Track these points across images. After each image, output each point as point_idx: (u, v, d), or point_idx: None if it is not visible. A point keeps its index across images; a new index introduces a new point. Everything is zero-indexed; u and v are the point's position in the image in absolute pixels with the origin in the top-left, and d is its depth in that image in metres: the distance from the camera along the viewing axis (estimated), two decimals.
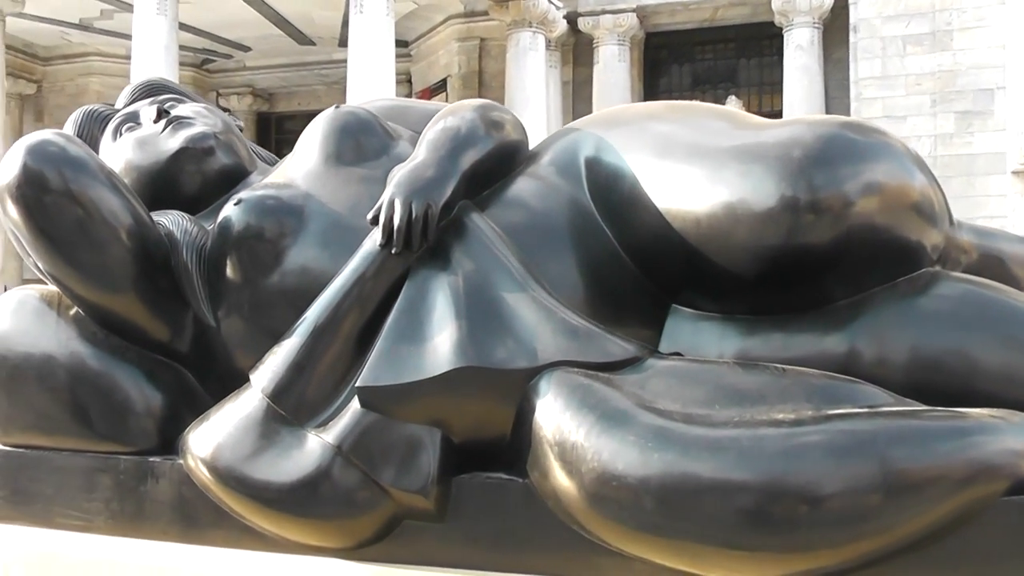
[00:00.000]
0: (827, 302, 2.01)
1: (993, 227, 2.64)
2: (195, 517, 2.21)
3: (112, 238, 2.25)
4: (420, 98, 19.38)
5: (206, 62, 20.05)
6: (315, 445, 2.00)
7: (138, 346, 2.37)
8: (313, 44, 18.81)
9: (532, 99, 14.21)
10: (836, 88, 13.71)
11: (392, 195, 2.06)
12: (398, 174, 2.12)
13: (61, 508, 2.39)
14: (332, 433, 1.98)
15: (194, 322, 2.35)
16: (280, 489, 2.02)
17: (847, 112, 13.29)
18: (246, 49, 19.28)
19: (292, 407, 2.04)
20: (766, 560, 1.65)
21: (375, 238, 2.06)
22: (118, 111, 2.75)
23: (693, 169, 2.05)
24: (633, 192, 2.13)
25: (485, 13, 15.55)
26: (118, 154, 2.60)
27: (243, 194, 2.29)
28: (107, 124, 2.71)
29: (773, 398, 1.77)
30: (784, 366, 1.90)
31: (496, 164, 2.27)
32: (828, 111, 13.74)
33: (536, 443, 1.85)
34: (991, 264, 2.35)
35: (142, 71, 12.24)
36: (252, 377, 2.11)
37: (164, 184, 2.52)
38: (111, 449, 2.33)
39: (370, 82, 12.78)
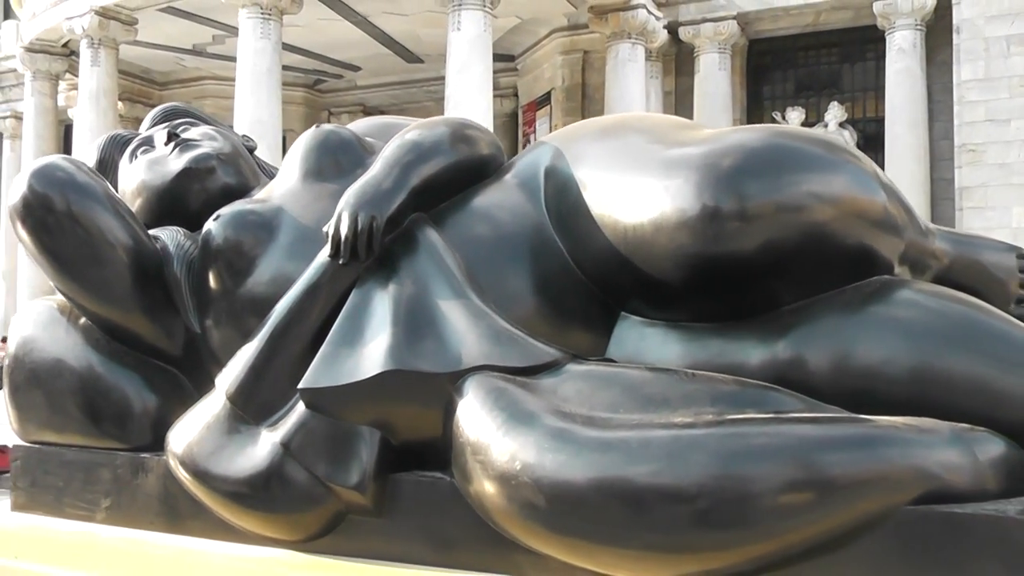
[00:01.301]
0: (772, 308, 2.03)
1: (978, 235, 2.58)
2: (177, 509, 2.39)
3: (110, 255, 2.46)
4: (525, 112, 19.58)
5: (318, 82, 20.77)
6: (267, 443, 2.13)
7: (137, 351, 2.57)
8: (421, 62, 19.24)
9: (632, 110, 14.18)
10: (940, 92, 13.16)
11: (341, 208, 2.19)
12: (350, 188, 2.24)
13: (69, 499, 2.61)
14: (281, 432, 2.12)
15: (185, 329, 2.53)
16: (236, 484, 2.16)
17: (950, 116, 12.79)
18: (356, 69, 19.90)
19: (249, 407, 2.19)
20: (653, 560, 1.68)
21: (327, 250, 2.19)
22: (137, 135, 2.97)
23: (627, 180, 2.10)
24: (577, 204, 2.20)
25: (587, 26, 15.64)
26: (133, 175, 2.82)
27: (222, 209, 2.46)
28: (127, 147, 2.93)
29: (677, 402, 1.80)
30: (694, 371, 1.93)
31: (458, 177, 2.36)
32: (931, 115, 13.24)
33: (455, 443, 1.94)
34: (971, 271, 2.32)
35: (247, 93, 12.85)
36: (217, 380, 2.27)
37: (171, 201, 2.72)
38: (111, 446, 2.54)
39: (469, 98, 13.03)
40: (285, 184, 2.53)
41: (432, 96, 20.52)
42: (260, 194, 2.59)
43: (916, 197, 13.01)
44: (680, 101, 15.44)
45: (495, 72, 19.89)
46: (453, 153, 2.37)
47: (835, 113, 14.16)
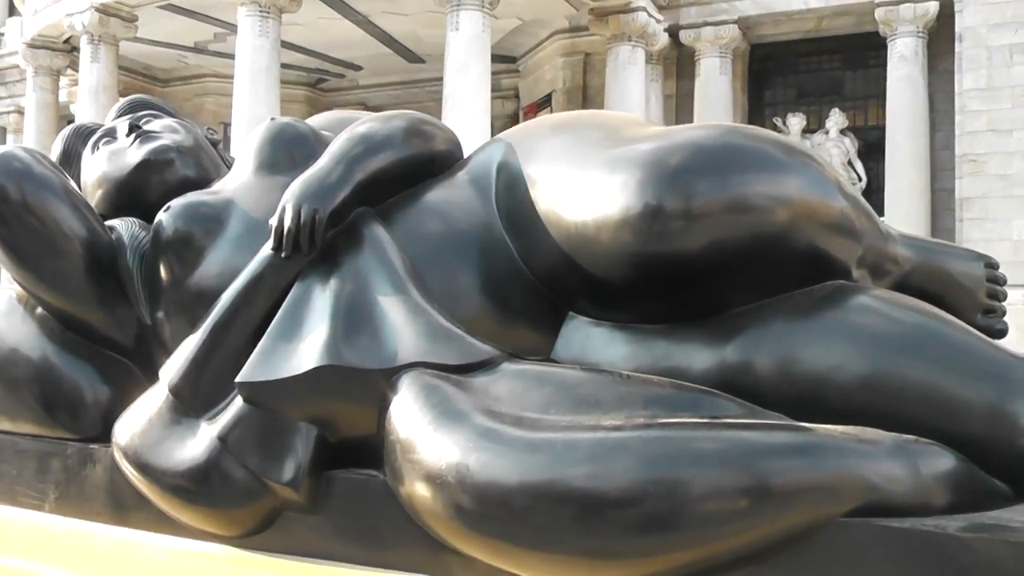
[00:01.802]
0: (721, 310, 2.01)
1: (946, 243, 2.56)
2: (122, 501, 2.38)
3: (64, 246, 2.45)
4: (526, 113, 19.57)
5: (319, 81, 20.79)
6: (206, 437, 2.12)
7: (90, 341, 2.57)
8: (423, 62, 19.26)
9: (631, 113, 14.15)
10: (943, 100, 13.09)
11: (285, 201, 2.18)
12: (295, 181, 2.23)
13: (22, 488, 2.61)
14: (219, 425, 2.11)
15: (137, 320, 2.52)
16: (176, 477, 2.15)
17: (952, 126, 12.71)
18: (358, 68, 19.92)
19: (191, 400, 2.18)
20: (576, 565, 1.66)
21: (270, 243, 2.18)
22: (101, 126, 2.97)
23: (572, 177, 2.08)
24: (524, 201, 2.19)
25: (588, 28, 15.63)
26: (94, 166, 2.81)
27: (173, 201, 2.46)
28: (90, 139, 2.93)
29: (609, 404, 1.77)
30: (629, 373, 1.91)
31: (409, 172, 2.35)
32: (933, 124, 13.16)
33: (387, 441, 1.93)
34: (936, 279, 2.29)
35: (245, 91, 12.86)
36: (160, 372, 2.26)
37: (130, 192, 2.71)
38: (63, 435, 2.53)
39: (467, 98, 13.04)
40: (239, 176, 2.53)
41: (433, 96, 20.51)
42: (215, 186, 2.59)
43: (916, 207, 12.97)
44: (681, 105, 15.42)
45: (497, 73, 19.92)
46: (406, 147, 2.36)
47: (836, 120, 14.10)
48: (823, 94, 14.84)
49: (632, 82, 14.25)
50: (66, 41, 15.79)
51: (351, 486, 2.04)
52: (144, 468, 2.21)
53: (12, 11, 18.47)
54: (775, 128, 14.65)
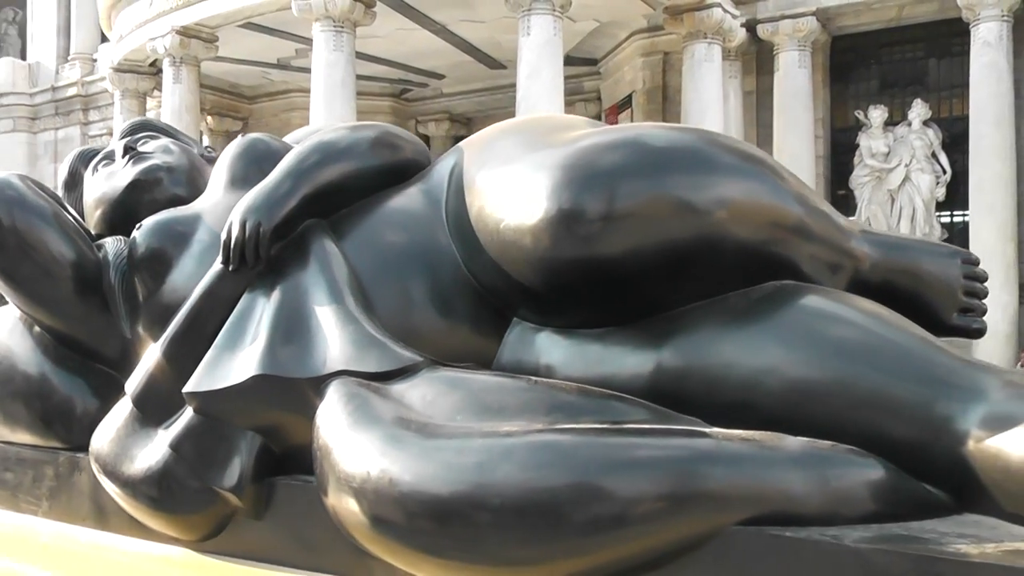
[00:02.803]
0: (657, 312, 1.99)
1: (922, 239, 2.46)
2: (103, 506, 2.49)
3: (52, 268, 2.59)
4: (607, 116, 19.49)
5: (404, 91, 21.10)
6: (161, 445, 2.21)
7: (81, 356, 2.69)
8: (504, 68, 19.32)
9: (709, 111, 13.92)
10: None
11: (233, 215, 2.25)
12: (246, 195, 2.30)
13: (23, 494, 2.76)
14: (171, 434, 2.19)
15: (120, 335, 2.63)
16: (138, 484, 2.24)
17: None
18: (440, 77, 20.14)
19: (149, 410, 2.27)
20: (465, 572, 1.67)
21: (220, 256, 2.25)
22: (102, 150, 3.11)
23: (501, 181, 2.08)
24: (463, 207, 2.20)
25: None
26: (93, 187, 2.95)
27: (146, 219, 2.56)
28: (91, 161, 3.08)
29: (512, 411, 1.76)
30: (536, 378, 1.90)
31: (375, 180, 2.40)
32: (1019, 112, 12.53)
33: (312, 447, 1.97)
34: (907, 278, 2.21)
35: (321, 105, 13.15)
36: (126, 384, 2.36)
37: (123, 211, 2.83)
38: (55, 445, 2.67)
39: (540, 102, 13.04)
40: (212, 193, 2.62)
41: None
42: (193, 203, 2.68)
43: (1003, 199, 12.36)
44: (761, 101, 15.08)
45: (578, 76, 19.94)
46: (371, 157, 2.40)
47: (919, 111, 13.55)
48: (906, 84, 14.28)
49: (709, 80, 13.98)
50: (151, 64, 16.42)
51: (290, 492, 2.10)
52: (112, 475, 2.31)
53: (104, 38, 19.40)
54: (857, 121, 14.22)
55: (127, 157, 2.91)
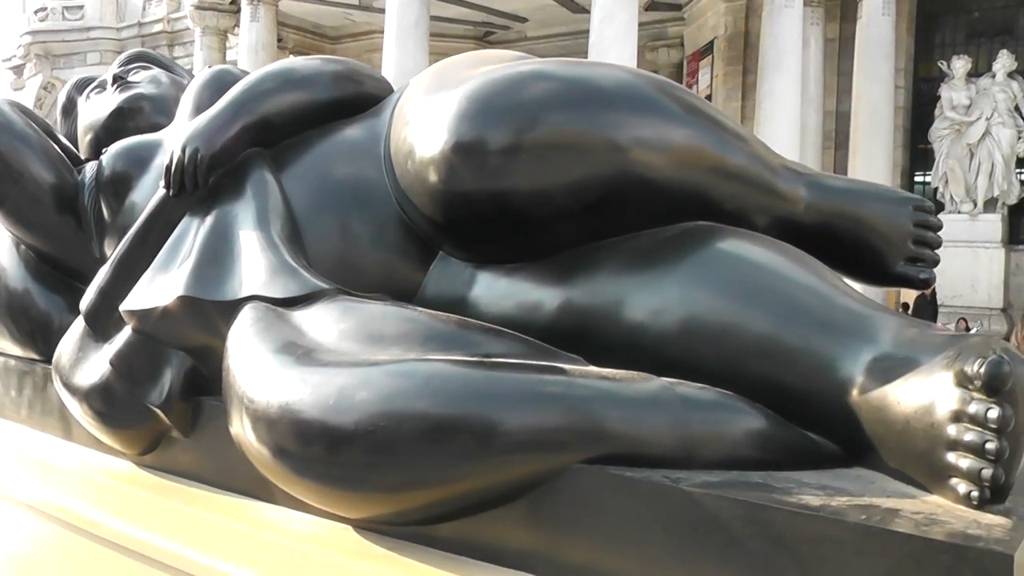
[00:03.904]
0: (567, 248, 1.96)
1: (873, 183, 2.37)
2: (67, 418, 2.60)
3: (34, 191, 2.70)
4: (690, 62, 19.08)
5: (487, 34, 21.02)
6: (104, 360, 2.30)
7: (59, 272, 2.82)
8: (587, 11, 19.00)
9: (786, 58, 13.50)
10: None
11: (176, 141, 2.30)
12: (191, 122, 2.35)
13: (8, 401, 2.92)
14: (112, 349, 2.27)
15: (93, 255, 2.74)
16: (86, 397, 2.34)
17: None
18: (523, 20, 19.99)
19: (97, 326, 2.36)
20: (325, 495, 1.69)
21: (162, 182, 2.31)
22: (96, 79, 3.21)
23: (419, 113, 2.07)
24: (390, 139, 2.21)
25: None
26: (84, 114, 3.06)
27: (113, 144, 2.64)
28: (85, 89, 3.18)
29: (390, 340, 1.77)
30: (421, 310, 1.89)
31: (334, 111, 2.41)
32: None
33: (222, 370, 2.02)
34: (849, 222, 2.14)
35: (393, 45, 13.21)
36: (81, 301, 2.45)
37: (108, 137, 2.92)
38: (34, 356, 2.81)
39: (613, 47, 12.84)
40: (178, 120, 2.68)
41: None
42: (162, 131, 2.75)
43: None
44: (843, 48, 14.54)
45: (663, 21, 19.56)
46: (329, 89, 2.42)
47: (1004, 62, 12.83)
48: (993, 35, 13.53)
49: (788, 26, 13.53)
50: (232, 2, 16.71)
51: (213, 412, 2.15)
52: (68, 387, 2.41)
53: None
54: (940, 72, 13.60)
55: (115, 85, 3.00)
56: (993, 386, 1.33)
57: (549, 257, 1.98)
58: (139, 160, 2.56)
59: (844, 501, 1.39)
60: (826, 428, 1.61)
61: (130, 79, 3.02)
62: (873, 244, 2.15)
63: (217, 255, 2.14)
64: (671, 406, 1.57)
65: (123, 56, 3.31)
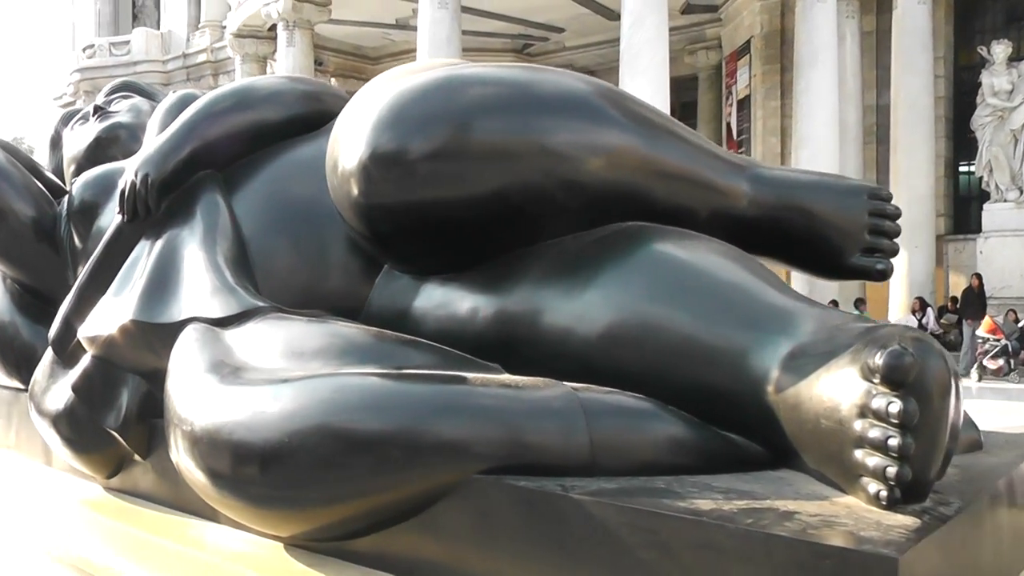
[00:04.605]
0: (496, 255, 1.95)
1: (829, 175, 2.30)
2: (47, 444, 2.65)
3: (16, 227, 2.77)
4: (728, 63, 18.86)
5: (526, 47, 21.03)
6: (67, 386, 2.33)
7: (42, 302, 2.87)
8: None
9: (820, 54, 13.25)
10: None
11: (128, 167, 2.34)
12: (144, 146, 2.38)
13: (1, 429, 2.99)
14: (73, 376, 2.31)
15: (69, 282, 2.79)
16: (55, 423, 2.38)
17: None
18: (560, 30, 19.96)
19: (62, 353, 2.40)
20: (229, 504, 1.70)
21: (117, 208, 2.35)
22: (81, 111, 3.28)
23: (345, 125, 2.07)
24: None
25: None
26: (68, 144, 3.14)
27: (82, 173, 2.69)
28: (70, 121, 3.26)
29: (309, 355, 1.77)
30: (350, 324, 1.89)
31: (280, 128, 2.42)
32: None
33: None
34: (799, 216, 2.09)
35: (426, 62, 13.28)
36: (50, 330, 2.50)
37: (89, 165, 2.98)
38: (19, 386, 2.87)
39: (643, 52, 12.74)
40: (144, 146, 2.71)
41: None
42: (133, 156, 2.79)
43: None
44: (881, 41, 14.26)
45: (700, 24, 19.40)
46: (292, 106, 2.44)
47: None
48: None
49: (821, 21, 13.30)
50: (270, 29, 17.03)
51: (163, 432, 2.17)
52: (40, 414, 2.45)
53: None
54: (980, 58, 13.23)
55: (96, 116, 3.06)
56: (894, 378, 1.26)
57: (481, 265, 1.97)
58: (105, 188, 2.60)
59: (741, 505, 1.34)
60: (750, 429, 1.57)
61: (110, 109, 3.08)
62: (826, 236, 2.09)
63: (164, 279, 2.16)
64: (571, 414, 1.53)
65: (108, 87, 3.39)
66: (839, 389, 1.36)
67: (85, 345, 2.26)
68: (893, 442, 1.26)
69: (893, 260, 2.16)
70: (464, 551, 1.51)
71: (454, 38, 13.81)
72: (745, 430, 1.58)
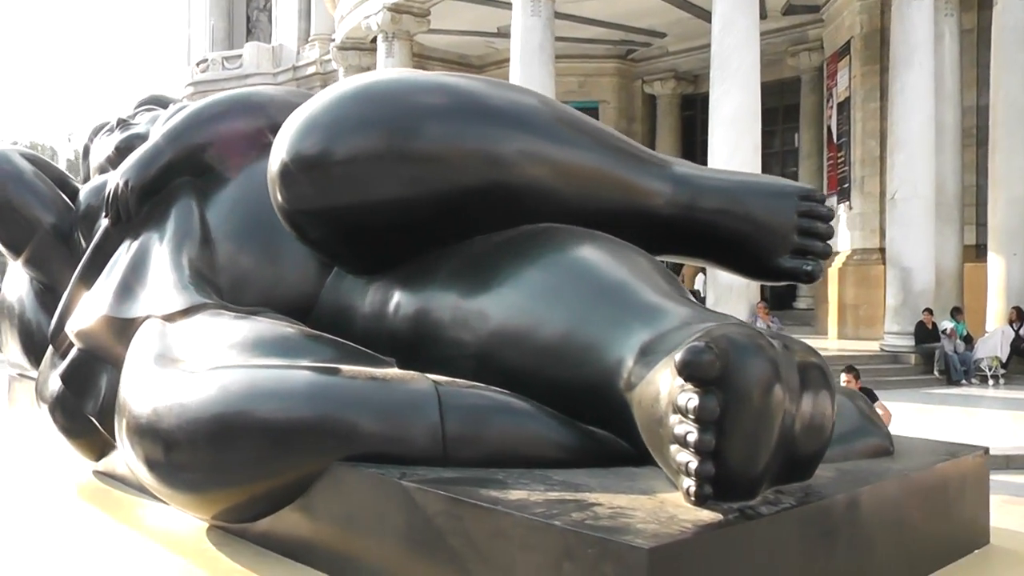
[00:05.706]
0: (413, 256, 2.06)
1: (762, 176, 2.34)
2: None
3: (37, 231, 3.03)
4: (829, 64, 18.38)
5: (628, 52, 20.94)
6: (58, 376, 2.57)
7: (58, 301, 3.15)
8: None
9: (916, 53, 12.82)
10: None
11: (113, 173, 2.56)
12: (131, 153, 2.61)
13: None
14: (63, 366, 2.54)
15: None
16: (51, 409, 2.61)
17: None
18: (662, 35, 19.81)
19: (57, 346, 2.64)
20: (160, 492, 1.88)
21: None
22: (107, 123, 3.56)
23: (280, 131, 2.15)
24: None
25: None
26: (94, 154, 3.42)
27: (88, 180, 2.95)
28: (99, 133, 3.54)
29: (227, 349, 1.91)
30: (263, 319, 2.03)
31: (255, 140, 2.58)
32: None
33: None
34: (727, 218, 2.14)
35: (518, 68, 13.40)
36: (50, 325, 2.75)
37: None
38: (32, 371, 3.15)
39: (734, 55, 12.58)
40: None
41: None
42: None
43: None
44: (981, 39, 13.67)
45: (802, 25, 19.00)
46: (277, 116, 2.60)
47: None
48: None
49: (917, 20, 12.86)
50: (372, 40, 17.50)
51: None
52: (40, 400, 2.70)
53: None
54: None
55: (118, 127, 3.33)
56: (693, 375, 1.28)
57: (407, 264, 2.08)
58: (100, 194, 2.84)
59: (553, 497, 1.41)
60: (617, 427, 1.62)
61: (132, 121, 3.34)
62: (752, 238, 2.12)
63: (134, 277, 2.35)
64: (428, 408, 1.63)
65: (138, 100, 3.66)
66: (661, 386, 1.41)
67: (71, 338, 2.49)
68: (691, 438, 1.29)
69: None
70: (335, 533, 1.65)
71: (547, 45, 13.89)
72: (615, 428, 1.64)
